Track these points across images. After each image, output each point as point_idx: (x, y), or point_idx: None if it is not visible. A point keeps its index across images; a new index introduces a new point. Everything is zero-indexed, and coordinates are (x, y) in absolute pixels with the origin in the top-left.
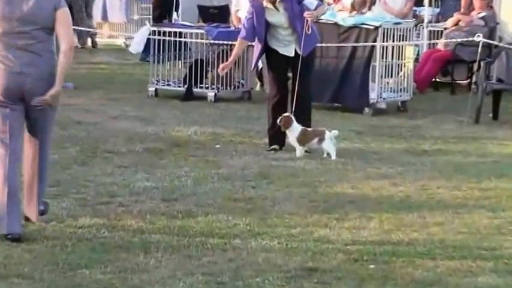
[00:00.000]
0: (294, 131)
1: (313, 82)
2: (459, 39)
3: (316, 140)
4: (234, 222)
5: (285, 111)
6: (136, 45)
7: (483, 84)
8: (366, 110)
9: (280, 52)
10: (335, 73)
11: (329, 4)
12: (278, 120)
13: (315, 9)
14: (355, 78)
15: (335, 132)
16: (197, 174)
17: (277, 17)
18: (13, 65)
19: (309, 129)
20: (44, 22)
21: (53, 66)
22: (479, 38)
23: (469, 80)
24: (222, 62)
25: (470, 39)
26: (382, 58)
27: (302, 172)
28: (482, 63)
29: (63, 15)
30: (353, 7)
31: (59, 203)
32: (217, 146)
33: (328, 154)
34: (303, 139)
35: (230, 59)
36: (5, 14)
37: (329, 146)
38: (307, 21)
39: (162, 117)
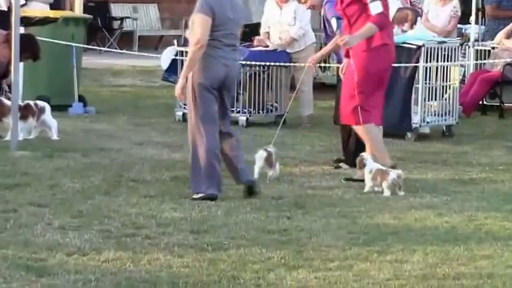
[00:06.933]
0: None
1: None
2: (508, 59)
3: None
4: (268, 255)
5: None
6: (163, 63)
7: None
8: (409, 135)
9: None
10: None
11: None
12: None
13: None
14: (396, 101)
15: None
16: (228, 204)
17: None
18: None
19: None
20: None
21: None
22: None
23: None
24: (255, 84)
25: None
26: (426, 80)
27: (340, 202)
28: None
29: None
30: (392, 22)
31: (81, 235)
32: None
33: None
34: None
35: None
36: (227, 18)
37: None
38: None
39: None
